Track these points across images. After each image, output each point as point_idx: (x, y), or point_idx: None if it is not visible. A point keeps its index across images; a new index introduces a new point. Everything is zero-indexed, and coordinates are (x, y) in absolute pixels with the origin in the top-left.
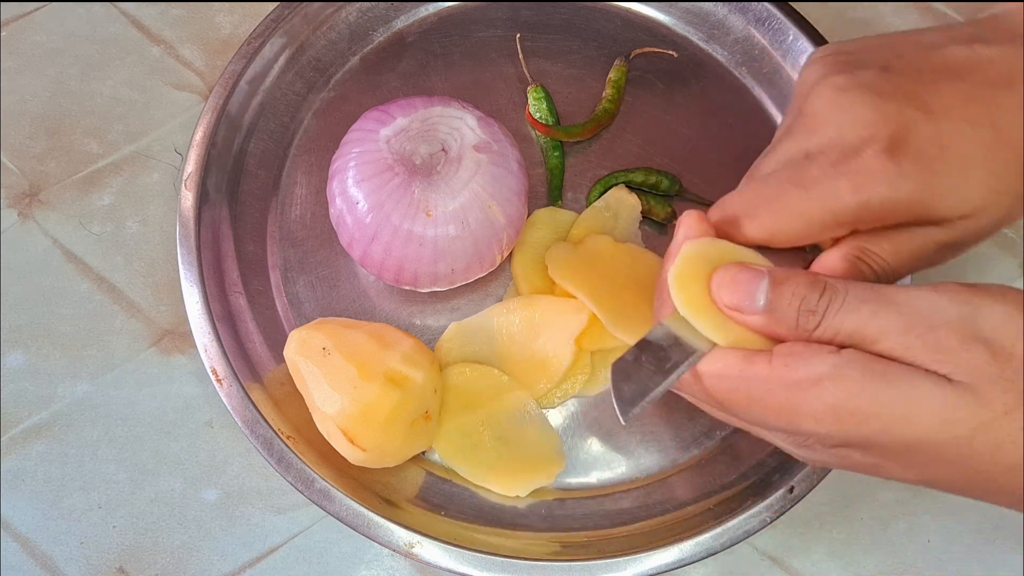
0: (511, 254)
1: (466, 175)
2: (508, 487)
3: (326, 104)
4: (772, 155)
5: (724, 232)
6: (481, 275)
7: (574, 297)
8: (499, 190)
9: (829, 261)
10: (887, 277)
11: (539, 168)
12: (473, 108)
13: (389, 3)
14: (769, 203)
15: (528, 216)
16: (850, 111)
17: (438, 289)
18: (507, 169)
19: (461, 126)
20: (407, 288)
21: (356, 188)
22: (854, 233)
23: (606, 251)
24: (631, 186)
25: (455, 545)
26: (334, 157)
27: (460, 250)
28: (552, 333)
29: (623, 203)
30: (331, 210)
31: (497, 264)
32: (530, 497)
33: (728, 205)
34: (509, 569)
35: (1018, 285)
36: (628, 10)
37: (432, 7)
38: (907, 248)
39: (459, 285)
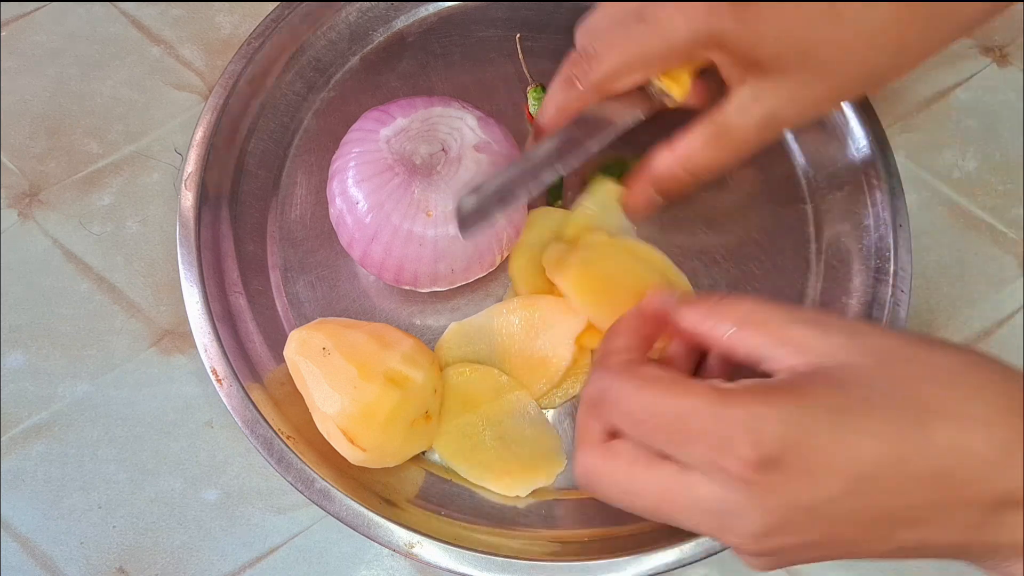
0: (510, 255)
1: (466, 175)
2: (508, 487)
3: (326, 104)
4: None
5: (578, 71)
6: (481, 275)
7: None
8: None
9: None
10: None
11: None
12: (473, 108)
13: (389, 3)
14: (616, 41)
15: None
16: None
17: (438, 289)
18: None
19: (461, 126)
20: (407, 288)
21: (356, 188)
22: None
23: (601, 247)
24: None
25: (455, 545)
26: (334, 157)
27: (460, 250)
28: (552, 333)
29: (612, 196)
30: (331, 210)
31: (497, 264)
32: (530, 497)
33: (584, 52)
34: (509, 569)
35: (1018, 285)
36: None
37: (432, 7)
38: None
39: (459, 285)
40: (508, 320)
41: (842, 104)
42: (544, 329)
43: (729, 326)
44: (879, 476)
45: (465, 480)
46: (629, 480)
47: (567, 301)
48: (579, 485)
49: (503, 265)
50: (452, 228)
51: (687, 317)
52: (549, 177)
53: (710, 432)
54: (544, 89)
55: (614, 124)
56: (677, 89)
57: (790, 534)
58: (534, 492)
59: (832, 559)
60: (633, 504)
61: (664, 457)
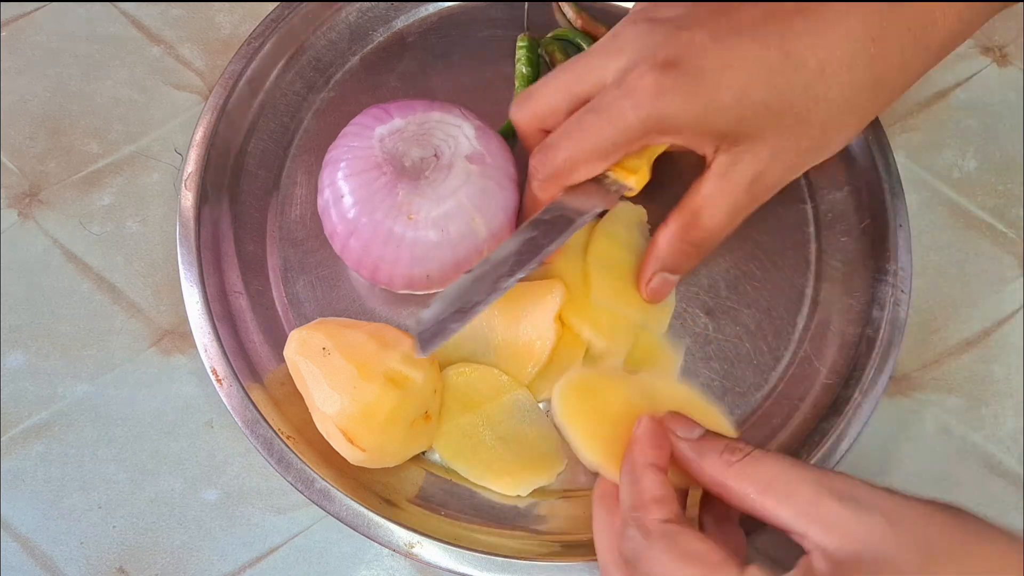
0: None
1: (454, 183)
2: (509, 487)
3: (326, 104)
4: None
5: (536, 163)
6: None
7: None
8: (485, 203)
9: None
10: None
11: None
12: (474, 118)
13: (389, 3)
14: (570, 132)
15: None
16: (635, 40)
17: (414, 292)
18: (497, 183)
19: (458, 134)
20: (383, 288)
21: (343, 182)
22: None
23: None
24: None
25: (455, 545)
26: (331, 147)
27: (437, 257)
28: (532, 316)
29: (636, 217)
30: (319, 199)
31: None
32: (530, 497)
33: (544, 142)
34: (509, 569)
35: (1018, 285)
36: (628, 11)
37: (432, 7)
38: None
39: (435, 291)
40: (489, 313)
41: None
42: (524, 314)
43: (751, 489)
44: None
45: (465, 480)
46: None
47: (541, 283)
48: None
49: None
50: (433, 234)
51: (706, 470)
52: (509, 285)
53: None
54: (531, 39)
55: (572, 222)
56: (634, 179)
57: None
58: (535, 492)
59: None
60: None
61: None
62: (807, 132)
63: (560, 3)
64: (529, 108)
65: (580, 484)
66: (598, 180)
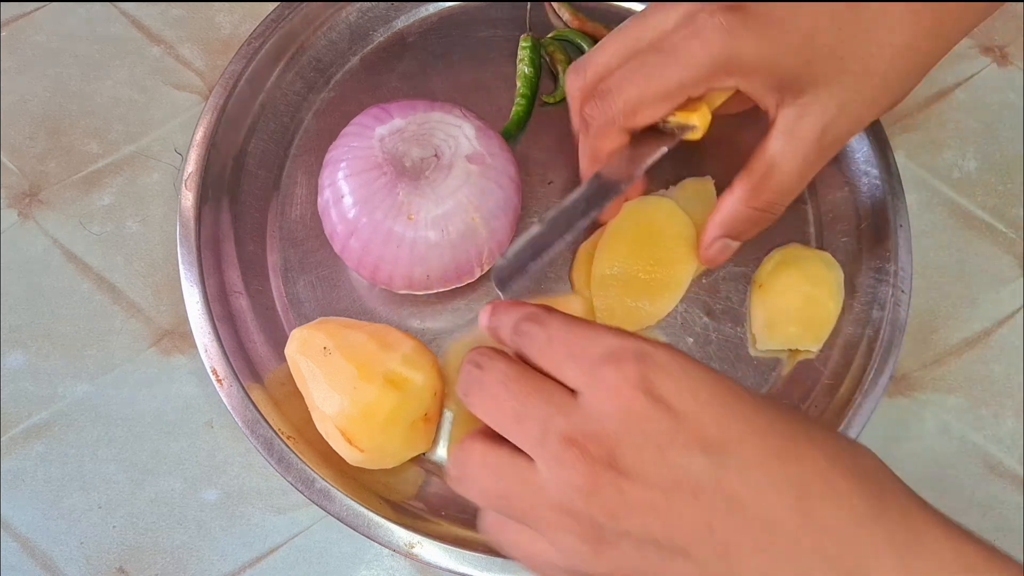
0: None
1: (454, 184)
2: None
3: (326, 104)
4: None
5: (592, 111)
6: (458, 285)
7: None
8: (485, 203)
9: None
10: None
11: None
12: (475, 118)
13: (389, 3)
14: (632, 74)
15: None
16: None
17: (414, 292)
18: (497, 184)
19: (458, 134)
20: (383, 288)
21: (344, 182)
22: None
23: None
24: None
25: (455, 545)
26: (331, 147)
27: (437, 257)
28: None
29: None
30: (319, 199)
31: (476, 276)
32: None
33: (602, 80)
34: (509, 569)
35: (1018, 285)
36: (629, 10)
37: (432, 7)
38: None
39: (435, 291)
40: None
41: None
42: None
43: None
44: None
45: None
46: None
47: (555, 301)
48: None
49: (490, 273)
50: (432, 234)
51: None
52: (583, 224)
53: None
54: (534, 40)
55: (642, 161)
56: (696, 117)
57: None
58: None
59: None
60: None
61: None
62: (870, 81)
63: (554, 3)
64: (590, 70)
65: None
66: (657, 126)
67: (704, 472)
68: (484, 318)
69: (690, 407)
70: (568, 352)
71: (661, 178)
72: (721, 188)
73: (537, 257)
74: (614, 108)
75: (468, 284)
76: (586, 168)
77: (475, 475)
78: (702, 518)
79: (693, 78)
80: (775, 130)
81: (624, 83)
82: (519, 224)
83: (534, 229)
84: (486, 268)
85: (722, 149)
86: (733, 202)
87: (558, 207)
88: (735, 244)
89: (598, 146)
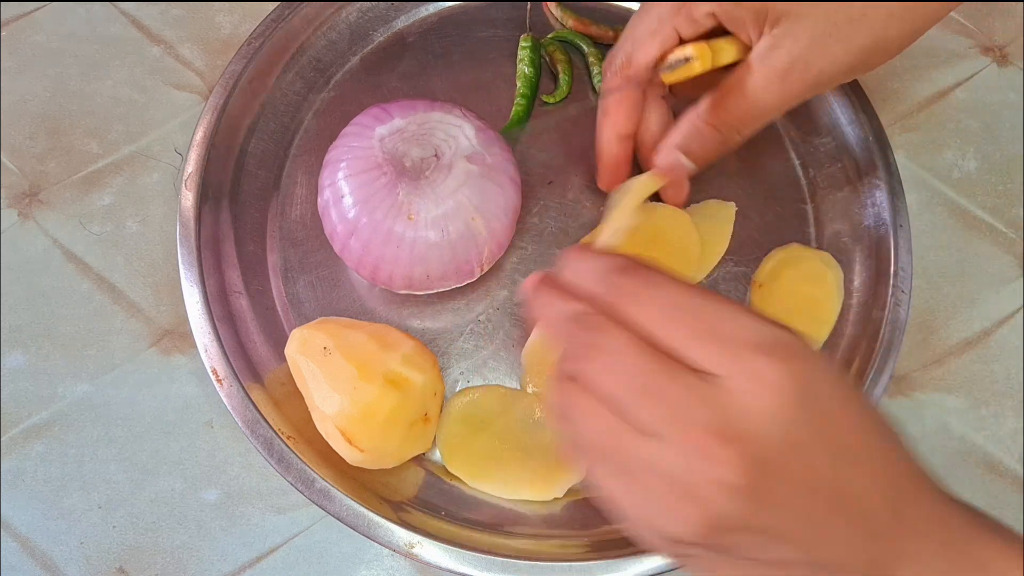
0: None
1: (454, 184)
2: (543, 492)
3: (326, 104)
4: None
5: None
6: (458, 285)
7: None
8: (485, 203)
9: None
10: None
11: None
12: (476, 118)
13: (389, 3)
14: (627, 30)
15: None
16: None
17: (414, 292)
18: (497, 184)
19: (458, 134)
20: (383, 288)
21: (344, 182)
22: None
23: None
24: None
25: (455, 545)
26: (331, 147)
27: (437, 257)
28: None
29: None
30: (319, 199)
31: (476, 276)
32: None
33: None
34: (509, 569)
35: (1018, 285)
36: (629, 10)
37: (432, 7)
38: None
39: (435, 291)
40: (510, 415)
41: (843, 102)
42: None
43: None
44: None
45: (469, 486)
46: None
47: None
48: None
49: (501, 264)
50: (432, 234)
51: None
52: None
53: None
54: (534, 40)
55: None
56: (691, 48)
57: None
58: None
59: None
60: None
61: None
62: (851, 23)
63: (550, 5)
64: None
65: (580, 484)
66: (660, 73)
67: (826, 472)
68: (563, 267)
69: (831, 412)
70: (705, 328)
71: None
72: (742, 215)
73: None
74: (615, 59)
75: (468, 284)
76: (601, 130)
77: (591, 436)
78: (815, 511)
79: (669, 9)
80: (749, 56)
81: (621, 42)
82: (519, 224)
83: None
84: (486, 268)
85: (750, 178)
86: (692, 116)
87: None
88: (686, 162)
89: (609, 102)
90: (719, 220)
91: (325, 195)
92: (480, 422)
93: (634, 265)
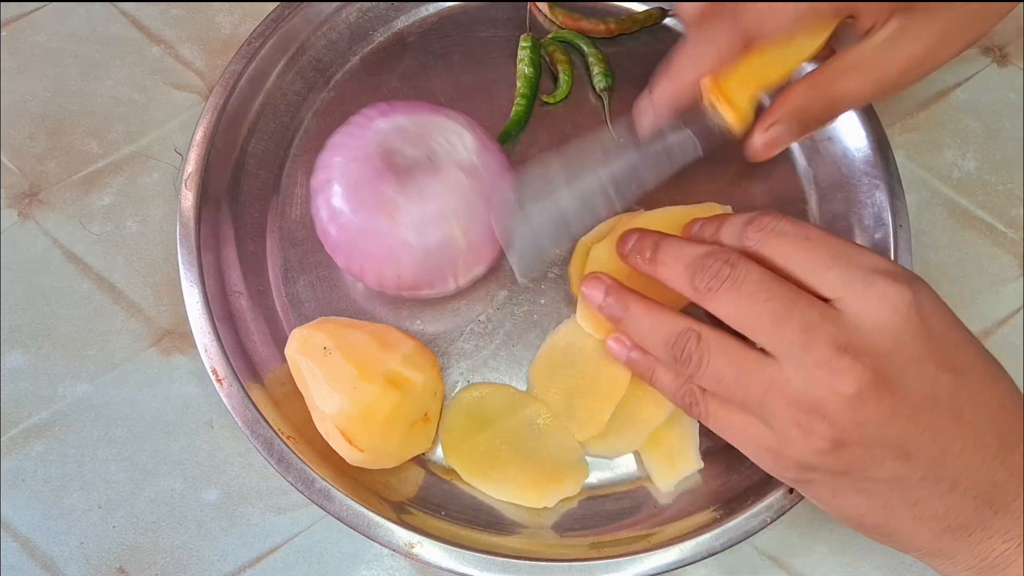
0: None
1: (440, 189)
2: (534, 500)
3: (326, 104)
4: None
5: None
6: (431, 293)
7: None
8: (469, 216)
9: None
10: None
11: None
12: (481, 131)
13: (389, 3)
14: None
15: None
16: None
17: (385, 291)
18: (485, 199)
19: (457, 142)
20: (358, 281)
21: (336, 167)
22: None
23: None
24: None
25: (455, 545)
26: (335, 131)
27: (410, 261)
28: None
29: None
30: (312, 179)
31: (451, 288)
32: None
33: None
34: (509, 569)
35: (1018, 285)
36: (629, 10)
37: (432, 7)
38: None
39: (406, 293)
40: (517, 425)
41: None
42: (549, 435)
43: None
44: None
45: (468, 485)
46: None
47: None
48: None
49: (502, 265)
50: (410, 235)
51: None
52: (606, 214)
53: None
54: (534, 40)
55: (674, 158)
56: (733, 115)
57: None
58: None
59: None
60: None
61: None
62: (974, 21)
63: (539, 5)
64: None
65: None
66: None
67: (945, 389)
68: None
69: (944, 334)
70: (831, 256)
71: (674, 196)
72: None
73: (555, 239)
74: (746, 19)
75: (469, 285)
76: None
77: (713, 360)
78: (933, 426)
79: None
80: (876, 35)
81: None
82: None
83: (554, 207)
84: (461, 282)
85: (750, 179)
86: (805, 85)
87: (583, 188)
88: (788, 134)
89: (707, 52)
90: None
91: (318, 176)
92: (485, 419)
93: (759, 214)
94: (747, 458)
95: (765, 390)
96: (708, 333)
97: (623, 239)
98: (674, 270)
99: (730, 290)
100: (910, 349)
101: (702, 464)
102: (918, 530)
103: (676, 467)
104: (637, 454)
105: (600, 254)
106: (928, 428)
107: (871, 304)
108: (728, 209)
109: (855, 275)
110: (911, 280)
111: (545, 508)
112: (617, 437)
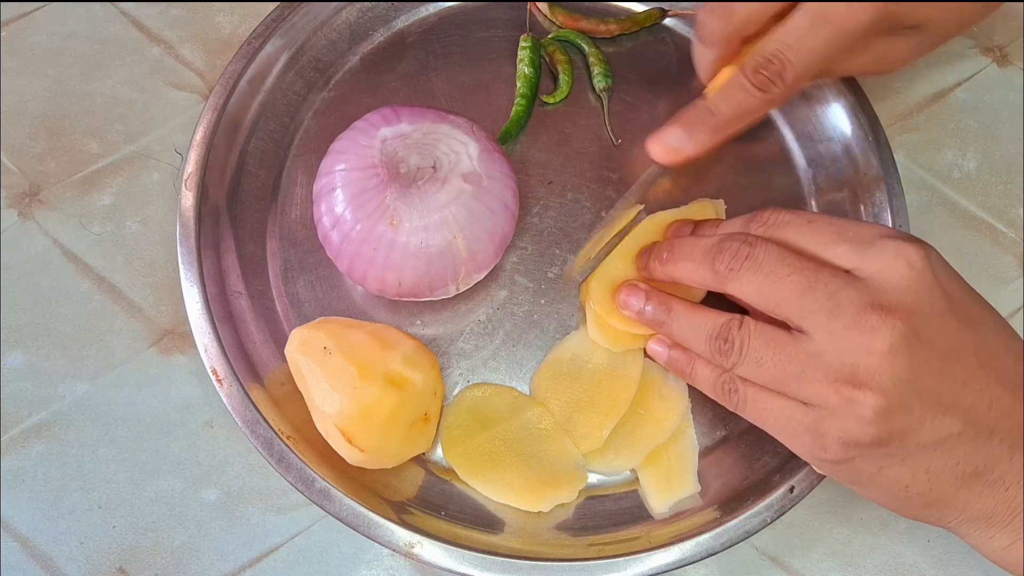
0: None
1: (443, 199)
2: (530, 504)
3: (326, 104)
4: None
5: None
6: (431, 299)
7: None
8: (471, 225)
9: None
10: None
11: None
12: (486, 139)
13: (389, 3)
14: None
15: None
16: None
17: (386, 296)
18: (488, 208)
19: (461, 151)
20: (359, 285)
21: (339, 174)
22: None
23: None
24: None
25: (455, 545)
26: (339, 136)
27: (411, 268)
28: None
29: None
30: (315, 184)
31: (451, 294)
32: None
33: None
34: (509, 569)
35: (1018, 285)
36: (629, 10)
37: (432, 7)
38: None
39: (406, 299)
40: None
41: (843, 102)
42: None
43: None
44: None
45: (465, 484)
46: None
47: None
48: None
49: (502, 266)
50: (412, 243)
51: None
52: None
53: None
54: (534, 40)
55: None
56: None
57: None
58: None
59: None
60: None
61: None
62: None
63: (536, 4)
64: (739, 15)
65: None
66: None
67: (966, 341)
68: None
69: (955, 288)
70: (842, 230)
71: (675, 196)
72: (732, 211)
73: None
74: (788, 76)
75: (470, 287)
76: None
77: (753, 343)
78: (963, 377)
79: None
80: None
81: (798, 52)
82: (519, 224)
83: None
84: (462, 287)
85: (749, 179)
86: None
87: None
88: (711, 120)
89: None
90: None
91: (321, 182)
92: (486, 419)
93: (759, 212)
94: (747, 458)
95: (802, 367)
96: (747, 320)
97: (639, 256)
98: (693, 260)
99: (751, 269)
100: (931, 303)
101: (699, 487)
102: (961, 491)
103: (673, 489)
104: (634, 472)
105: (613, 262)
106: (958, 380)
107: (888, 265)
108: (721, 204)
109: (865, 243)
110: (918, 241)
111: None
112: (616, 454)
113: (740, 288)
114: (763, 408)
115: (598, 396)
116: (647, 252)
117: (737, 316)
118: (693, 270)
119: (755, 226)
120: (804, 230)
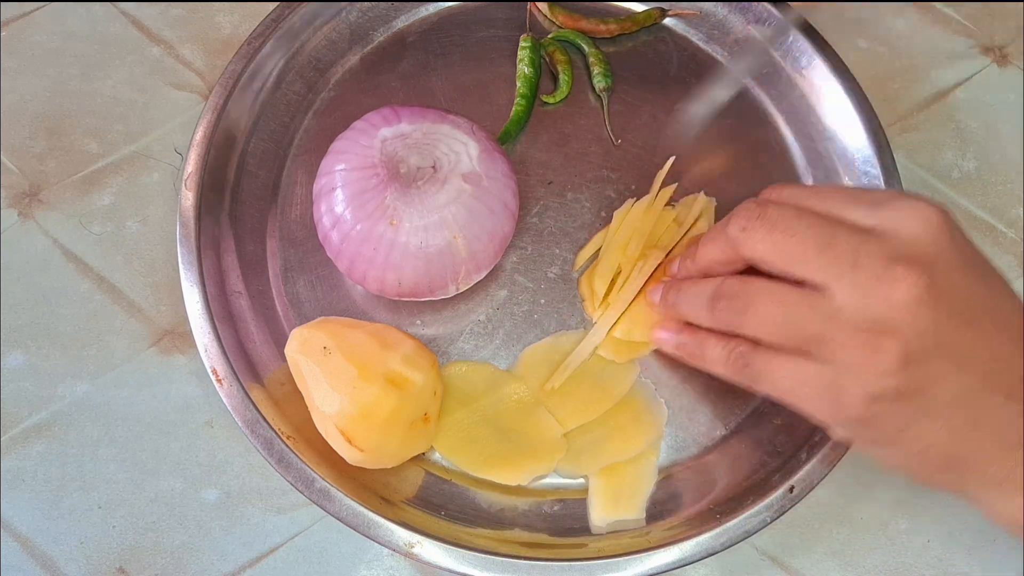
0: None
1: (443, 199)
2: (509, 477)
3: (326, 104)
4: None
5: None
6: (431, 299)
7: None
8: (471, 225)
9: None
10: None
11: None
12: (485, 139)
13: (389, 3)
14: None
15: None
16: None
17: (386, 296)
18: (488, 208)
19: (461, 151)
20: (359, 285)
21: (339, 174)
22: None
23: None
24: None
25: (455, 545)
26: (339, 136)
27: (411, 268)
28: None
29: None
30: (315, 184)
31: (451, 294)
32: (531, 496)
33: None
34: (509, 569)
35: (1018, 285)
36: (629, 10)
37: (432, 7)
38: None
39: (407, 299)
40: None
41: (843, 102)
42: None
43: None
44: None
45: (464, 478)
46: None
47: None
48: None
49: (502, 266)
50: (411, 243)
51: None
52: None
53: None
54: (534, 40)
55: None
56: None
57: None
58: (534, 491)
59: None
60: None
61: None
62: None
63: (536, 4)
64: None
65: (580, 485)
66: None
67: (983, 298)
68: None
69: (969, 247)
70: (856, 193)
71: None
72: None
73: None
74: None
75: (470, 287)
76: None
77: (759, 306)
78: (983, 334)
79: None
80: None
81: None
82: (519, 224)
83: None
84: (462, 287)
85: (749, 179)
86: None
87: None
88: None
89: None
90: (703, 215)
91: (321, 182)
92: (464, 396)
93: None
94: (747, 458)
95: (821, 324)
96: (750, 277)
97: (654, 291)
98: (712, 243)
99: (764, 228)
100: (950, 258)
101: (644, 523)
102: (983, 450)
103: (619, 507)
104: (585, 479)
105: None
106: (978, 336)
107: (906, 220)
108: (712, 201)
109: (880, 203)
110: (932, 200)
111: (543, 505)
112: (570, 457)
113: (754, 247)
114: (779, 375)
115: (575, 393)
116: (675, 261)
117: (737, 275)
118: (712, 239)
119: (765, 197)
120: (816, 197)
